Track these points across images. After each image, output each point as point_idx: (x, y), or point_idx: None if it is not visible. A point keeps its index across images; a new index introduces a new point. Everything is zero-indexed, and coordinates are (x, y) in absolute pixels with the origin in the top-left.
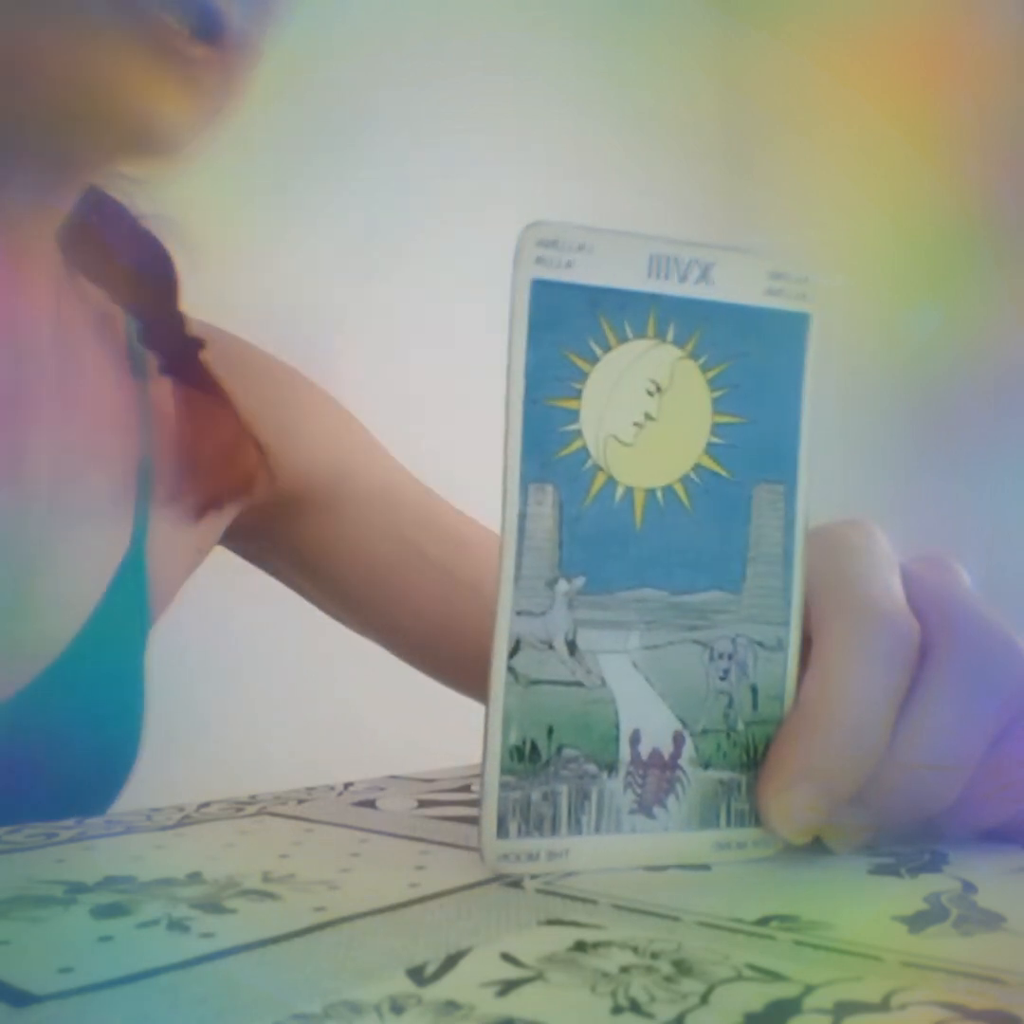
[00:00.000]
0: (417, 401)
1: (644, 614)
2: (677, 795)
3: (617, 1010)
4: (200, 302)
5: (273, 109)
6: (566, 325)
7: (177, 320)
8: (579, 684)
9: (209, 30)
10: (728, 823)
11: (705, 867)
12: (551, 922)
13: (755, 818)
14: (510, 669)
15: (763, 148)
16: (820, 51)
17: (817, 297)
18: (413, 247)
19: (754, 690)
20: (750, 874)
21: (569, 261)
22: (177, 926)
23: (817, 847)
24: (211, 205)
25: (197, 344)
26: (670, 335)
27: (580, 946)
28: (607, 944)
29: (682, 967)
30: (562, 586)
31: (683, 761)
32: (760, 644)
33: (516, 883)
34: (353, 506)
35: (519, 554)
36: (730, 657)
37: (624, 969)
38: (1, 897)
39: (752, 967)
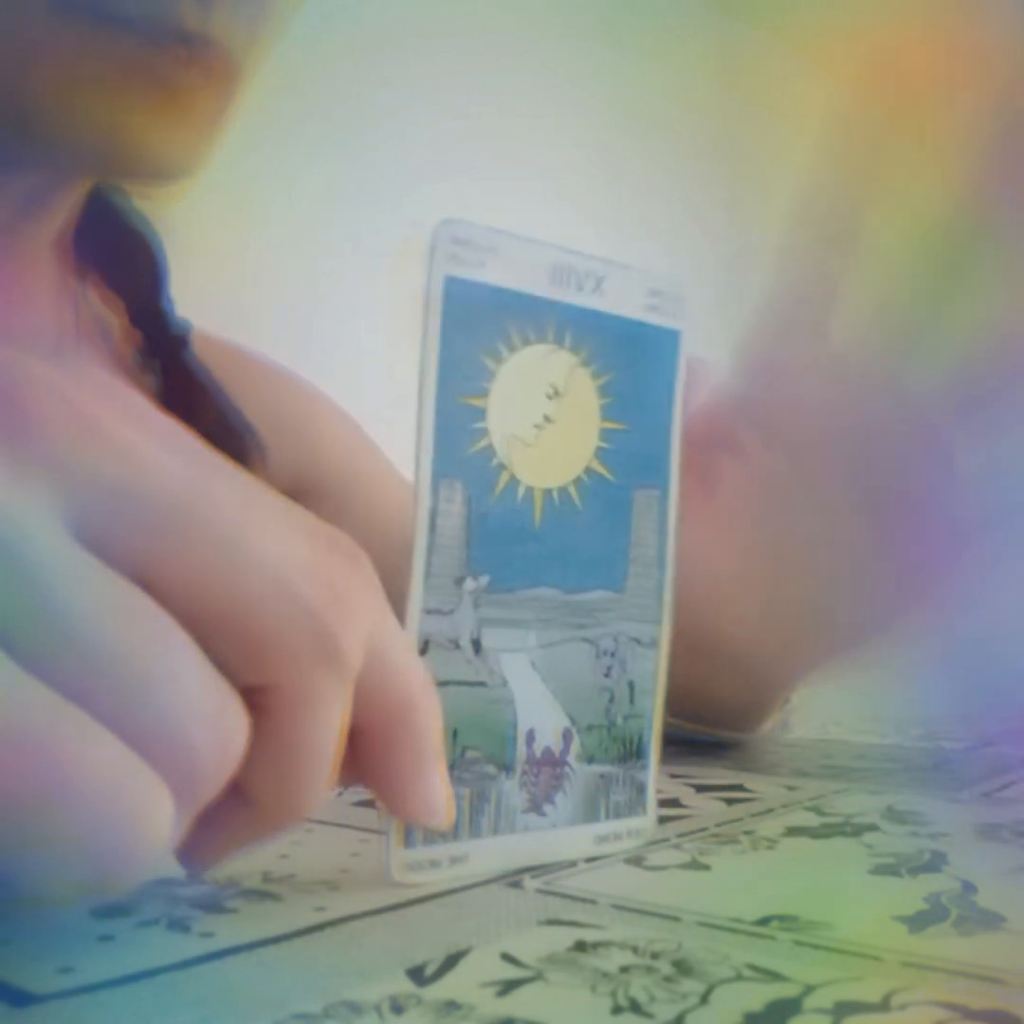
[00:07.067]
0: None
1: (540, 613)
2: (564, 791)
3: (617, 1010)
4: (200, 309)
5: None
6: (477, 324)
7: (160, 315)
8: (483, 684)
9: (199, 51)
10: (607, 816)
11: (705, 867)
12: (551, 922)
13: (630, 809)
14: None
15: (763, 148)
16: (820, 51)
17: (687, 316)
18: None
19: (631, 685)
20: (750, 874)
21: (481, 261)
22: (177, 926)
23: (817, 847)
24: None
25: (180, 342)
26: (567, 342)
27: (580, 946)
28: (607, 944)
29: (682, 967)
30: (469, 584)
31: (571, 757)
32: (637, 641)
33: (516, 883)
34: (356, 513)
35: (429, 551)
36: (613, 654)
37: (624, 969)
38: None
39: (752, 967)
